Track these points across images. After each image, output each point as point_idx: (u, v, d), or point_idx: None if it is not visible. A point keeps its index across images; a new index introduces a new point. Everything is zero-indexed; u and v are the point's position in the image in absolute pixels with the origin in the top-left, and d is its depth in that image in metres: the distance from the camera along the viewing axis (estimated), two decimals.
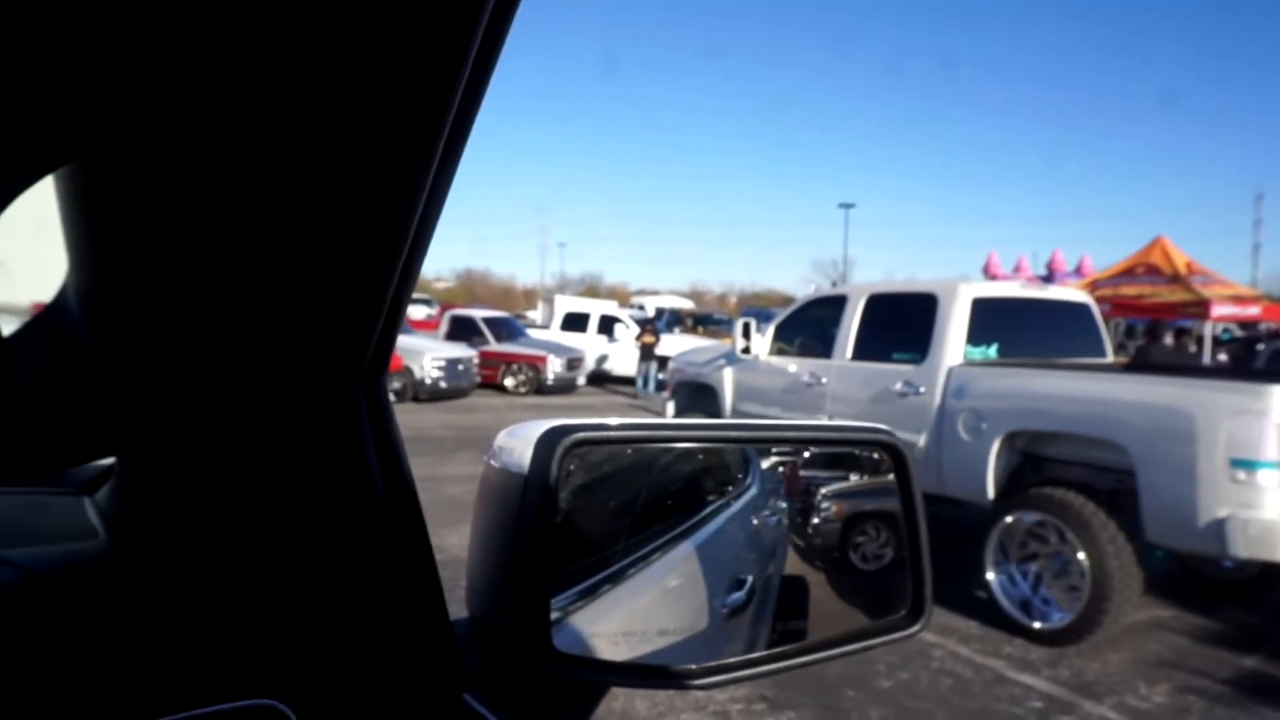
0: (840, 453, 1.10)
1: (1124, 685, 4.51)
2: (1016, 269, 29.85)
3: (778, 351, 7.21)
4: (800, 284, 63.45)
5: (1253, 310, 17.66)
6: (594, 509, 0.87)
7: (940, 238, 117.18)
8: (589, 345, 19.79)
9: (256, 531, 0.58)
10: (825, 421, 1.27)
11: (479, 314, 19.39)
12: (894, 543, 0.98)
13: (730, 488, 1.15)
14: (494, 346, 17.57)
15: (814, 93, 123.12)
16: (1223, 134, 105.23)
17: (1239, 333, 22.61)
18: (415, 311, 35.34)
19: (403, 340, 12.36)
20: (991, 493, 5.39)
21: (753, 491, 1.19)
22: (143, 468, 0.62)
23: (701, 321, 27.67)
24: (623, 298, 44.48)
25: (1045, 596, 5.11)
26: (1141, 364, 6.37)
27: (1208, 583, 5.93)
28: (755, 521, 1.17)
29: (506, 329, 18.93)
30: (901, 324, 6.22)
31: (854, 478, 1.10)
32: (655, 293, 49.11)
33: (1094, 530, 4.81)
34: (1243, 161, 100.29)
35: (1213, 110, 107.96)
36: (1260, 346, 15.01)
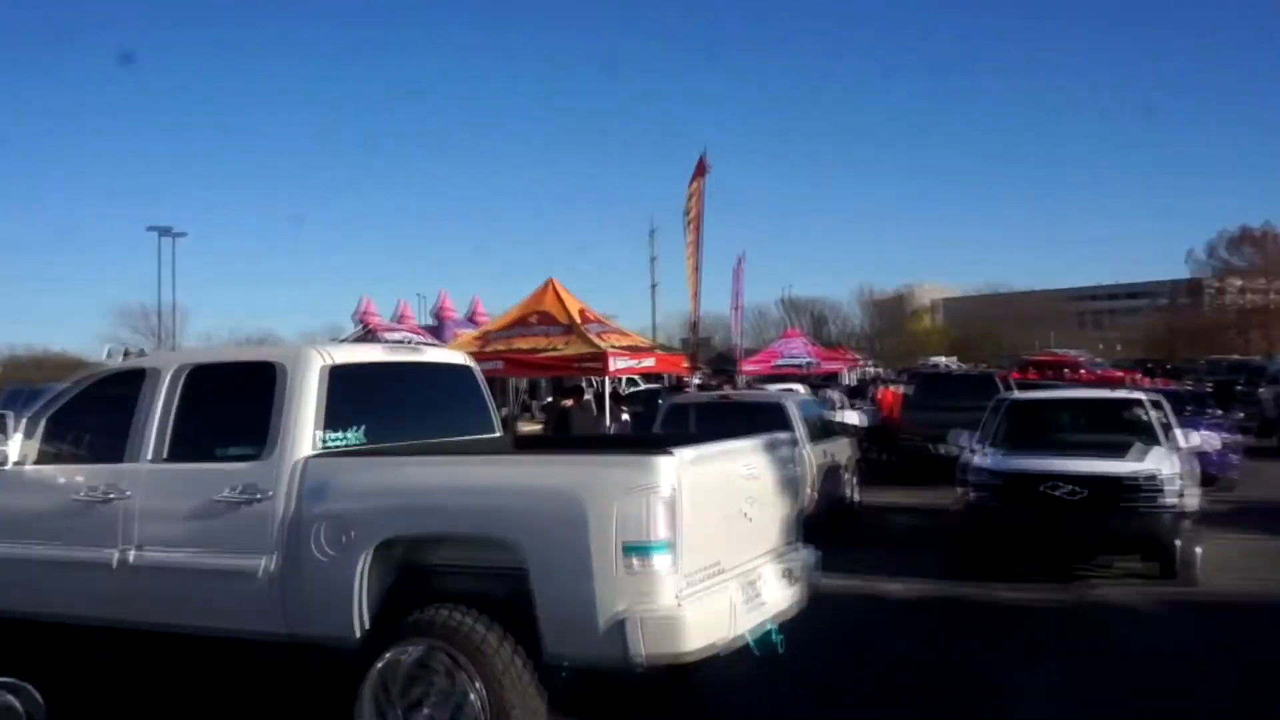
0: None
1: None
2: (400, 317, 25.50)
3: (51, 457, 4.96)
4: (99, 344, 51.34)
5: (648, 362, 16.35)
6: None
7: (300, 275, 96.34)
8: None
9: None
10: None
11: None
12: None
13: None
14: None
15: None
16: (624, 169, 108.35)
17: (642, 384, 22.00)
18: None
19: None
20: (363, 625, 4.05)
21: None
22: None
23: None
24: None
25: None
26: (532, 439, 5.66)
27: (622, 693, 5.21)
28: None
29: None
30: (232, 406, 4.64)
31: None
32: None
33: (488, 655, 3.79)
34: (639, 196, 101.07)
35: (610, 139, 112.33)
36: (660, 401, 14.17)
